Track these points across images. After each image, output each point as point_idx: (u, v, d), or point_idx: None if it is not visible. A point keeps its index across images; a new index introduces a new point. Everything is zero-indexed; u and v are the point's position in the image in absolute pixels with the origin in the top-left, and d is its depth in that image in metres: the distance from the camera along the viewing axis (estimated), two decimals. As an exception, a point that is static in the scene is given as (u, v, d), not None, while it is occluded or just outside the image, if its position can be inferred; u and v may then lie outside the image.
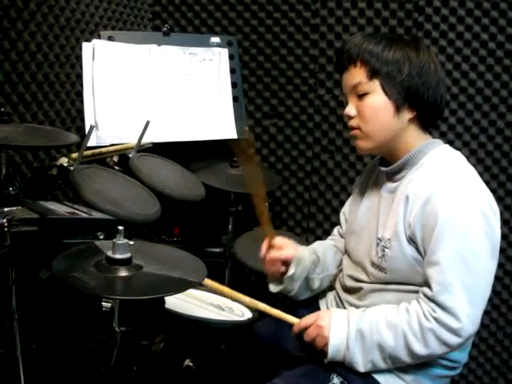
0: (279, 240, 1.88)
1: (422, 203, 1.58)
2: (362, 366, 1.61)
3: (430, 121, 1.73)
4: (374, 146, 1.72)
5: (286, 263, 1.85)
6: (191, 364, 1.89)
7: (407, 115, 1.68)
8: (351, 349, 1.60)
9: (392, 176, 1.75)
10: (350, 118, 1.72)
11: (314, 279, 1.91)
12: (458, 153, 1.72)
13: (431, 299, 1.53)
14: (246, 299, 1.80)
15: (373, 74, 1.66)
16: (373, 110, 1.68)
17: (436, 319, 1.52)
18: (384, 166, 1.77)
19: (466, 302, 1.52)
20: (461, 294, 1.52)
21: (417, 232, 1.59)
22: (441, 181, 1.60)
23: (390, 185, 1.75)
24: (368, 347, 1.59)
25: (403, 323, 1.56)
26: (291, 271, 1.84)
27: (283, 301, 1.94)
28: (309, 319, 1.69)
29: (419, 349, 1.54)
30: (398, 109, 1.67)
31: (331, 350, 1.62)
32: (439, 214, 1.55)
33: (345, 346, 1.60)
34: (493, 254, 1.59)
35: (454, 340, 1.53)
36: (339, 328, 1.62)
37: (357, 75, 1.69)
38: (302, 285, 1.89)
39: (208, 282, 1.78)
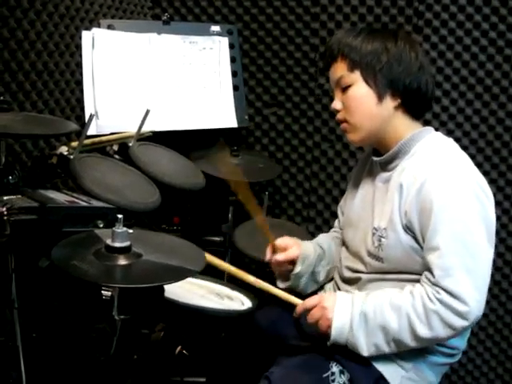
0: (282, 240, 1.89)
1: (416, 190, 1.59)
2: (365, 350, 1.61)
3: (417, 108, 1.74)
4: (363, 136, 1.74)
5: (293, 261, 1.87)
6: (183, 351, 1.89)
7: (391, 103, 1.70)
8: (355, 331, 1.59)
9: (385, 166, 1.75)
10: (337, 111, 1.76)
11: (320, 272, 1.93)
12: (450, 139, 1.73)
13: (435, 284, 1.54)
14: (251, 278, 1.81)
15: (353, 65, 1.70)
16: (356, 100, 1.71)
17: (440, 301, 1.52)
18: (377, 156, 1.77)
19: (471, 285, 1.52)
20: (464, 278, 1.52)
21: (413, 220, 1.60)
22: (433, 167, 1.61)
23: (383, 174, 1.75)
24: (371, 330, 1.59)
25: (407, 305, 1.56)
26: (297, 269, 1.86)
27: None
28: (313, 300, 1.69)
29: (423, 331, 1.54)
30: (380, 97, 1.69)
31: (334, 332, 1.61)
32: (434, 199, 1.55)
33: (348, 329, 1.60)
34: (489, 238, 1.59)
35: (460, 323, 1.52)
36: (343, 310, 1.62)
37: (339, 69, 1.73)
38: (308, 279, 1.90)
39: (213, 259, 1.79)
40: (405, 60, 1.68)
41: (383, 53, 1.68)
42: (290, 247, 1.89)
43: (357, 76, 1.70)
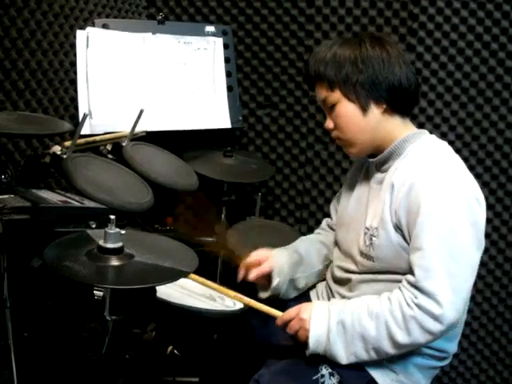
0: (254, 255, 1.89)
1: (406, 190, 1.60)
2: (344, 359, 1.61)
3: (403, 106, 1.74)
4: (360, 149, 1.77)
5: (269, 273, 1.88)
6: (175, 351, 1.89)
7: (377, 110, 1.71)
8: (332, 341, 1.60)
9: (380, 167, 1.76)
10: (331, 130, 1.78)
11: (299, 278, 1.93)
12: (445, 142, 1.73)
13: (413, 285, 1.54)
14: (231, 293, 1.82)
15: (331, 84, 1.72)
16: (343, 118, 1.73)
17: (418, 305, 1.52)
18: (372, 158, 1.79)
19: (448, 288, 1.52)
20: (443, 280, 1.52)
21: (402, 219, 1.61)
22: (424, 168, 1.62)
23: (378, 175, 1.76)
24: (350, 339, 1.59)
25: (385, 312, 1.56)
26: (275, 282, 1.87)
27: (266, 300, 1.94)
28: (291, 312, 1.69)
29: (402, 337, 1.54)
30: (365, 109, 1.70)
31: (312, 342, 1.62)
32: (422, 200, 1.56)
33: (325, 339, 1.61)
34: (477, 243, 1.60)
35: (436, 327, 1.52)
36: (320, 320, 1.62)
37: (321, 91, 1.75)
38: (288, 286, 1.90)
39: (193, 276, 1.81)
40: (377, 63, 1.68)
41: (353, 63, 1.68)
42: (262, 262, 1.89)
43: (338, 94, 1.71)
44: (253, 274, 1.87)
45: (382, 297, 1.60)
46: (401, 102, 1.71)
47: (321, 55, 1.74)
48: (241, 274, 1.90)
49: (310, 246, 1.99)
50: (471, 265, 1.59)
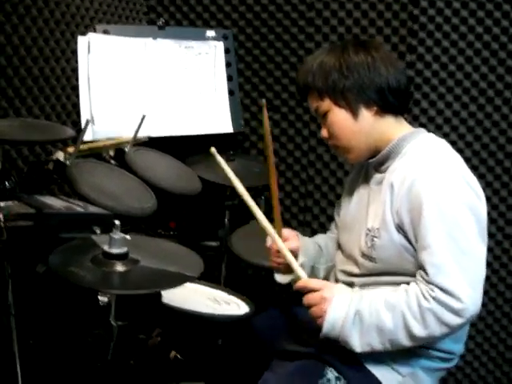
0: (283, 232, 1.88)
1: (406, 189, 1.59)
2: (358, 347, 1.59)
3: (395, 106, 1.73)
4: (357, 154, 1.77)
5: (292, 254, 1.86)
6: (178, 355, 1.89)
7: (368, 113, 1.71)
8: (347, 329, 1.58)
9: (379, 167, 1.76)
10: (327, 139, 1.79)
11: (320, 269, 1.92)
12: (443, 140, 1.73)
13: (429, 282, 1.53)
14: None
15: (320, 93, 1.72)
16: (336, 125, 1.73)
17: (435, 299, 1.51)
18: (371, 159, 1.79)
19: (465, 283, 1.51)
20: (458, 275, 1.51)
21: (404, 218, 1.60)
22: (424, 166, 1.61)
23: (377, 176, 1.76)
24: (366, 330, 1.58)
25: (402, 304, 1.55)
26: (300, 260, 1.84)
27: (280, 294, 1.94)
28: (317, 284, 1.67)
29: (418, 330, 1.53)
30: (355, 114, 1.70)
31: (326, 326, 1.60)
32: (423, 197, 1.56)
33: (340, 325, 1.59)
34: (482, 235, 1.60)
35: (455, 320, 1.51)
36: (339, 306, 1.60)
37: (312, 100, 1.76)
38: (309, 274, 1.88)
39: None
40: (362, 68, 1.68)
41: (339, 70, 1.69)
42: (290, 239, 1.88)
43: (328, 102, 1.72)
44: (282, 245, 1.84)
45: (399, 289, 1.59)
46: (391, 102, 1.71)
47: (308, 66, 1.75)
48: (269, 240, 1.85)
49: (328, 242, 1.99)
50: (480, 256, 1.58)
